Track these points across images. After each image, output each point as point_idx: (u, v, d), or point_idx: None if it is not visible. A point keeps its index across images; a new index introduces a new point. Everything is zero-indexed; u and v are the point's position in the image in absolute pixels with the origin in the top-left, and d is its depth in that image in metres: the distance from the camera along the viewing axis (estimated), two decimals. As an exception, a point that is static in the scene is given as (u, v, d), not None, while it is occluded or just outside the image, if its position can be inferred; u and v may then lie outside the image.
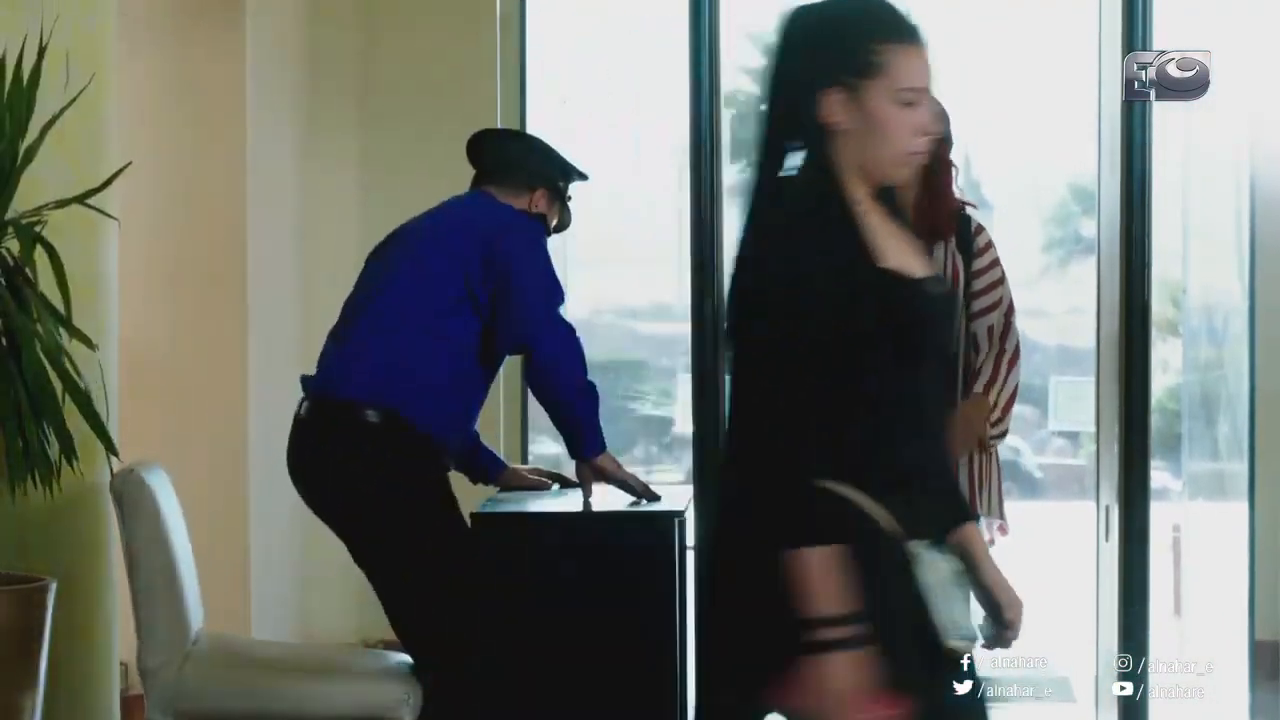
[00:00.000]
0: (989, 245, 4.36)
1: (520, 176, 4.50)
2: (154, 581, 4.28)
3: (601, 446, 4.40)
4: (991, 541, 4.47)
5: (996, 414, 4.31)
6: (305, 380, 4.45)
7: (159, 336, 5.93)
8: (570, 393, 4.34)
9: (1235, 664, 5.74)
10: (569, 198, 4.58)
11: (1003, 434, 4.34)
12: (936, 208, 4.35)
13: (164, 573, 4.30)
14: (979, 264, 4.33)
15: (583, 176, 4.60)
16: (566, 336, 4.34)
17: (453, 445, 4.40)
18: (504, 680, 4.15)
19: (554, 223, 4.56)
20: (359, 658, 4.49)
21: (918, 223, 4.35)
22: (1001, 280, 4.33)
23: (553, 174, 4.52)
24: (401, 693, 4.29)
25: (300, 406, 4.43)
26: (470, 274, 4.31)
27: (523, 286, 4.31)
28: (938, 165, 4.37)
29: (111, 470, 4.34)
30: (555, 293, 4.37)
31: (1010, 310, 4.34)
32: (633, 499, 4.40)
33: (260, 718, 4.29)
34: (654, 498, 4.40)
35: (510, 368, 6.08)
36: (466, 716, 4.26)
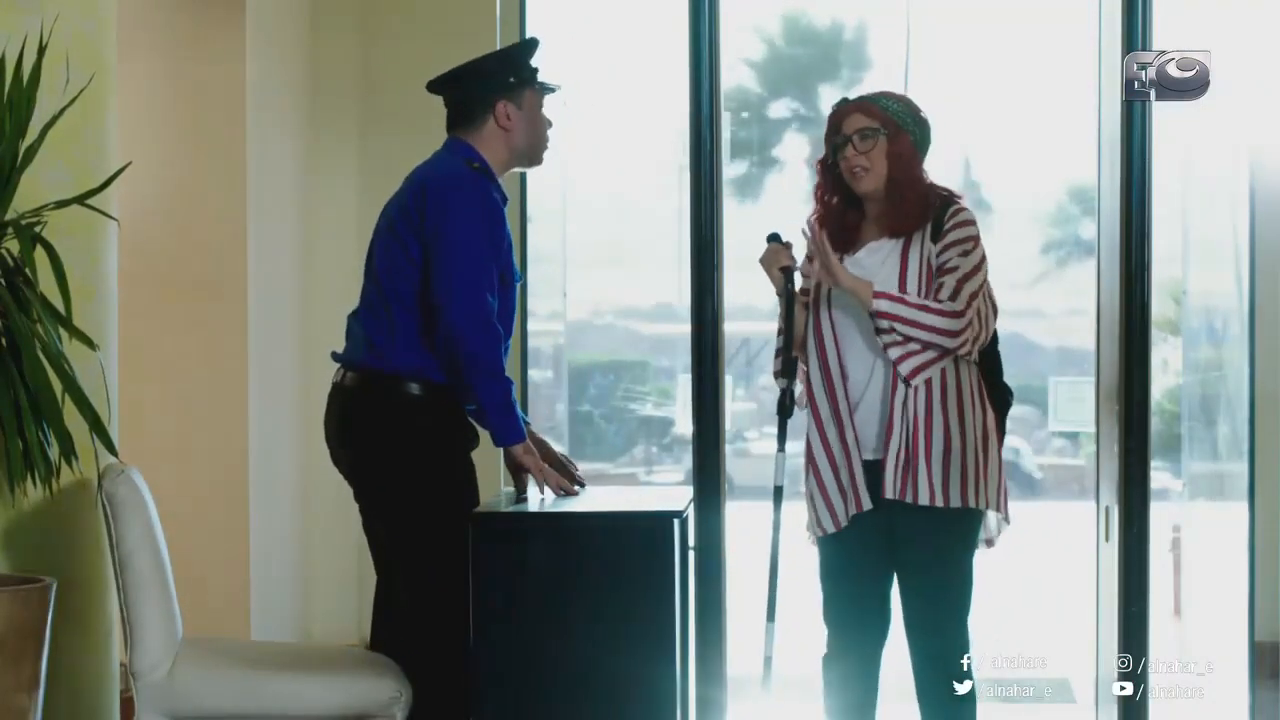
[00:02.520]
0: (959, 224, 4.32)
1: (472, 112, 4.49)
2: (144, 582, 4.29)
3: (516, 437, 4.35)
4: (998, 533, 4.44)
5: (894, 348, 4.27)
6: (337, 355, 4.51)
7: (159, 337, 5.93)
8: (475, 375, 4.29)
9: (1235, 664, 5.74)
10: (533, 73, 4.50)
11: (909, 369, 4.27)
12: (901, 204, 4.34)
13: (154, 573, 4.31)
14: (943, 241, 4.32)
15: (528, 47, 4.53)
16: (476, 315, 4.28)
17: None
18: (501, 679, 4.15)
19: (537, 108, 4.50)
20: (350, 656, 4.49)
21: (889, 220, 4.37)
22: (967, 254, 4.30)
23: (499, 81, 4.47)
24: (393, 691, 4.30)
25: (340, 375, 4.45)
26: (412, 249, 4.35)
27: (443, 260, 4.29)
28: (897, 161, 4.36)
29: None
30: (476, 267, 4.31)
31: (968, 276, 4.27)
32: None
33: (252, 717, 4.29)
34: (571, 491, 4.43)
35: (509, 372, 6.09)
36: (462, 716, 4.28)
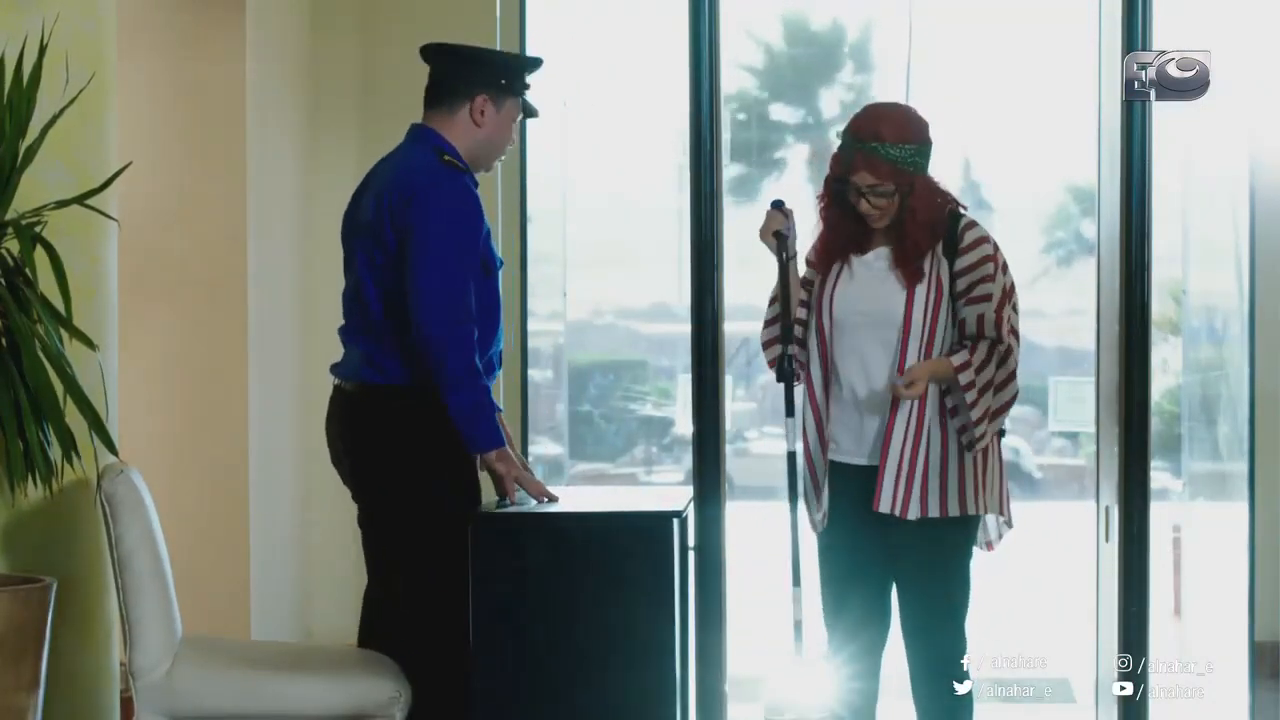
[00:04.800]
0: (976, 242, 4.34)
1: (453, 94, 4.44)
2: (144, 581, 4.28)
3: (488, 444, 4.29)
4: (1000, 537, 4.46)
5: (976, 409, 4.28)
6: (335, 368, 4.50)
7: (159, 337, 5.93)
8: (445, 382, 4.24)
9: (1235, 664, 5.74)
10: (526, 88, 4.48)
11: (982, 434, 4.30)
12: (913, 242, 4.35)
13: (154, 573, 4.30)
14: (962, 262, 4.33)
15: (532, 62, 4.50)
16: (445, 318, 4.22)
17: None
18: (501, 680, 4.15)
19: (512, 120, 4.47)
20: (350, 656, 4.49)
21: (903, 240, 4.38)
22: (991, 277, 4.31)
23: (490, 76, 4.43)
24: (393, 691, 4.30)
25: (342, 383, 4.45)
26: (388, 248, 4.31)
27: (414, 262, 4.25)
28: (906, 206, 4.35)
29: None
30: (448, 270, 4.25)
31: (1002, 304, 4.31)
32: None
33: (251, 717, 4.29)
34: (552, 498, 4.38)
35: (508, 372, 6.08)
36: (462, 716, 4.28)
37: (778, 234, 4.40)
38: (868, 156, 4.32)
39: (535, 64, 4.52)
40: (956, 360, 4.28)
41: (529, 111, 4.52)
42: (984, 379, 4.28)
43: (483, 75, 4.44)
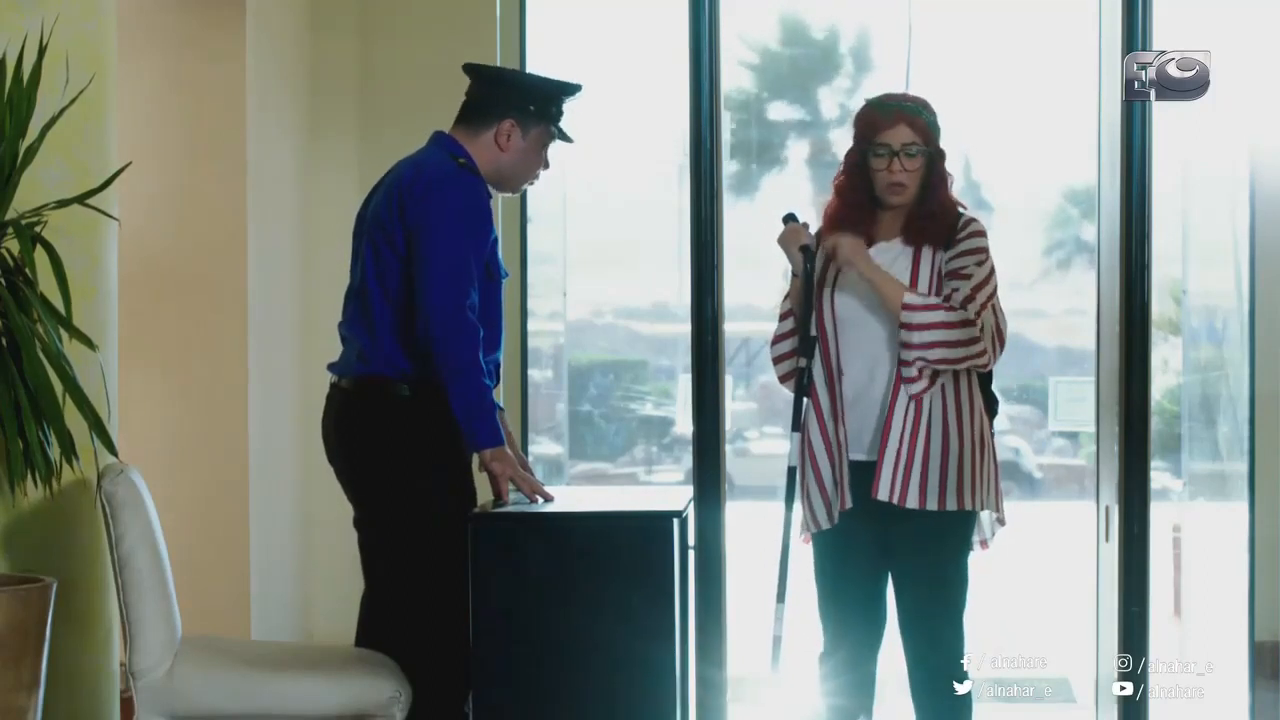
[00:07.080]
0: (971, 235, 4.36)
1: (482, 115, 4.46)
2: (144, 581, 4.28)
3: (486, 442, 4.30)
4: (993, 535, 4.46)
5: (910, 334, 4.26)
6: (332, 366, 4.52)
7: (159, 337, 5.93)
8: (448, 374, 4.26)
9: (1235, 664, 5.74)
10: (557, 115, 4.48)
11: (907, 364, 4.27)
12: (929, 218, 4.35)
13: (153, 573, 4.30)
14: (953, 250, 4.34)
15: (567, 89, 4.49)
16: (451, 309, 4.25)
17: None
18: (501, 680, 4.15)
19: (541, 147, 4.48)
20: (350, 656, 4.49)
21: (913, 232, 4.38)
22: (979, 263, 4.32)
23: (519, 101, 4.44)
24: (393, 690, 4.30)
25: (335, 378, 4.47)
26: (398, 241, 4.33)
27: (423, 253, 4.28)
28: (930, 178, 4.36)
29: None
30: (456, 262, 4.27)
31: (980, 287, 4.30)
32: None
33: (251, 717, 4.29)
34: (546, 497, 4.38)
35: (509, 372, 6.08)
36: (462, 716, 4.28)
37: (804, 249, 4.40)
38: (910, 115, 4.35)
39: (570, 90, 4.51)
40: (912, 290, 4.29)
41: (563, 137, 4.52)
42: (929, 318, 4.26)
43: (511, 99, 4.45)
